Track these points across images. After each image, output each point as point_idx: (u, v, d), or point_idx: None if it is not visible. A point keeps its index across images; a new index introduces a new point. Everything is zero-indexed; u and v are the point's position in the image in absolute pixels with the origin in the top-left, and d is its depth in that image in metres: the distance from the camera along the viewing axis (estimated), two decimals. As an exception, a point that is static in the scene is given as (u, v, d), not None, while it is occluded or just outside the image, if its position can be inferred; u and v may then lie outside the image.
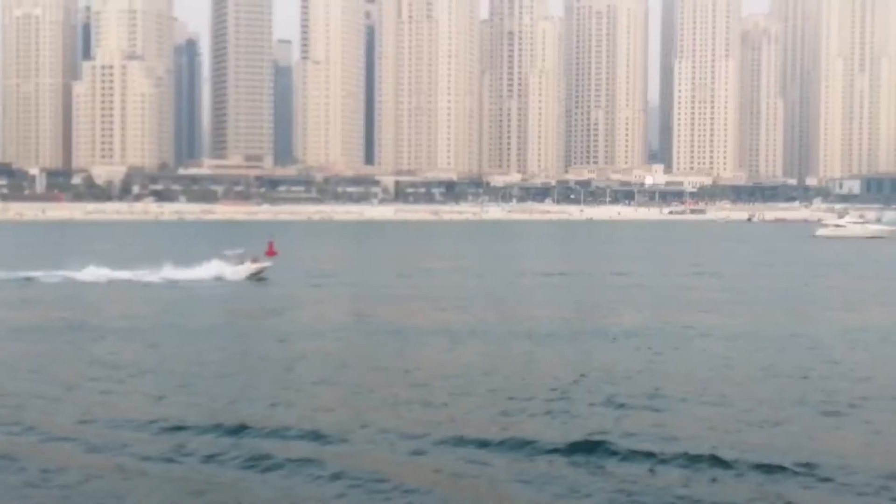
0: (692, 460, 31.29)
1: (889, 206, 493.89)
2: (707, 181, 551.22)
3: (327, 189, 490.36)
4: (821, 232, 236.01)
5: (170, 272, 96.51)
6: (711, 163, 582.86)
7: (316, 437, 34.33)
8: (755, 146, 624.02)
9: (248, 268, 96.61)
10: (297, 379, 45.42)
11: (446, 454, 32.33)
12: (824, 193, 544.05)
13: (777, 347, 55.19)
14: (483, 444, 33.32)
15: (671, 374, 46.21)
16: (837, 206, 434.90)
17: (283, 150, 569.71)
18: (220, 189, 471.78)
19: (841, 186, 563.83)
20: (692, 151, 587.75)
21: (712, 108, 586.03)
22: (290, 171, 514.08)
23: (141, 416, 37.20)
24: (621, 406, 39.22)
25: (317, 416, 37.35)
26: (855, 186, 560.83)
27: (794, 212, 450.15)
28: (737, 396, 41.18)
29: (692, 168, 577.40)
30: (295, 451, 32.41)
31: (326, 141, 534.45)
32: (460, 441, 33.65)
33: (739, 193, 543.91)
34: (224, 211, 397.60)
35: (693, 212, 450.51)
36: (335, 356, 51.99)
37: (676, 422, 36.74)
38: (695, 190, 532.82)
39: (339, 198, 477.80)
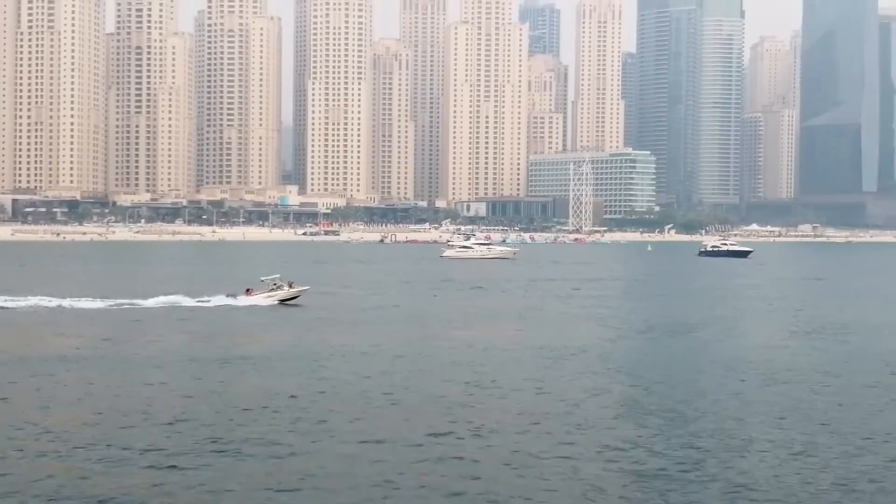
0: None
1: (512, 227, 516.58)
2: (341, 203, 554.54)
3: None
4: (447, 253, 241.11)
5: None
6: (345, 184, 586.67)
7: None
8: (387, 168, 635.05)
9: (287, 292, 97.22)
10: None
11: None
12: (453, 215, 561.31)
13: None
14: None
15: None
16: (464, 228, 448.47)
17: None
18: None
19: (468, 209, 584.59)
20: (326, 173, 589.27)
21: (345, 129, 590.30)
22: None
23: None
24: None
25: None
26: (481, 209, 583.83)
27: (425, 233, 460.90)
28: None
29: (326, 189, 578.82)
30: None
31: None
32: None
33: (372, 215, 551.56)
34: None
35: (327, 233, 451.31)
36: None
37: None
38: (329, 211, 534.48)
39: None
